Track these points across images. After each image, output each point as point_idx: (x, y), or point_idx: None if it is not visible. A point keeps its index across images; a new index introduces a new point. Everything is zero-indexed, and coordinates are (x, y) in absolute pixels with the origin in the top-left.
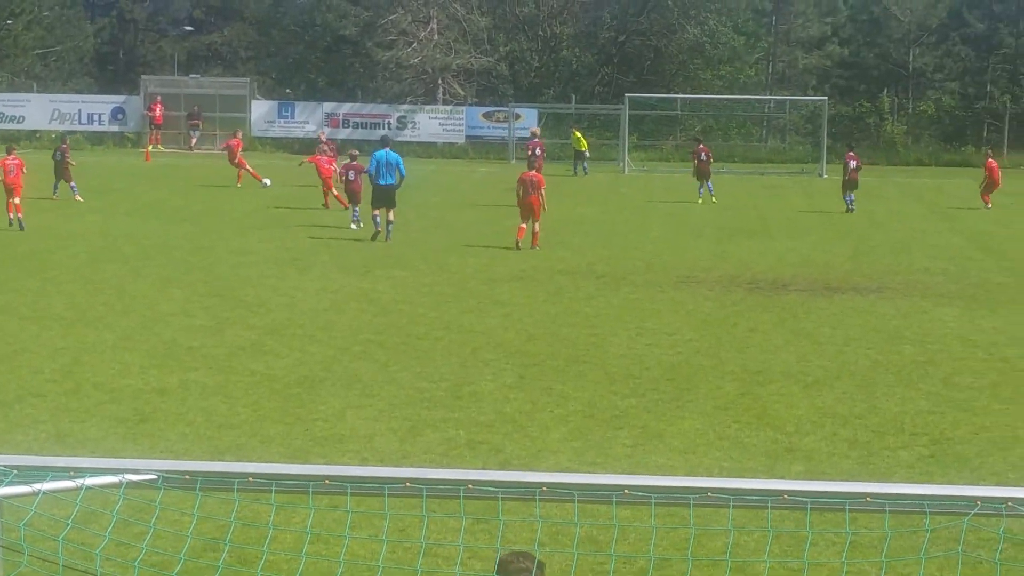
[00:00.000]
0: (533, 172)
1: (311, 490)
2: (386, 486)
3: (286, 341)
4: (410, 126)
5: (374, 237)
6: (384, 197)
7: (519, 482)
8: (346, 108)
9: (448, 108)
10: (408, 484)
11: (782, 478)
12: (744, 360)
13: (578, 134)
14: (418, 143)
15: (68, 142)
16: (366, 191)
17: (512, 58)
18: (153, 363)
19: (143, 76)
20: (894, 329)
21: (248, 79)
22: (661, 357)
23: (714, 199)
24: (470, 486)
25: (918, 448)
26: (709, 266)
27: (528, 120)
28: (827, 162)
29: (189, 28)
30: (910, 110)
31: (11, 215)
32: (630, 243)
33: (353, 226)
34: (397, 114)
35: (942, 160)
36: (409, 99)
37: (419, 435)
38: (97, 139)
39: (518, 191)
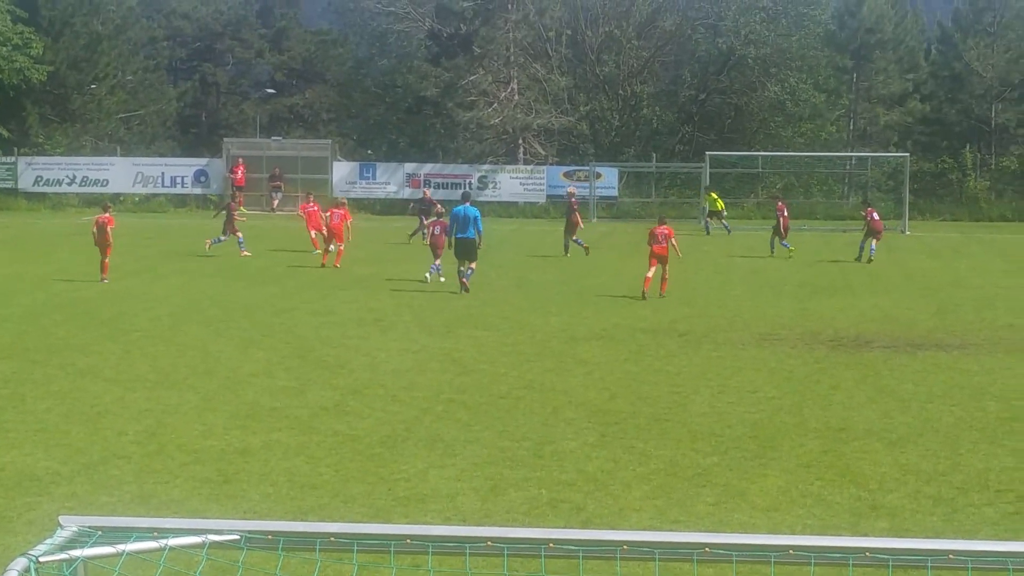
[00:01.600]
0: (664, 226)
1: (392, 550)
2: (467, 545)
3: (368, 401)
4: (491, 186)
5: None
6: (462, 250)
7: (600, 540)
8: (427, 168)
9: (529, 168)
10: (490, 543)
11: (866, 535)
12: (827, 417)
13: (714, 195)
14: (499, 203)
15: (238, 198)
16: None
17: (592, 117)
18: (236, 424)
19: (225, 139)
20: (978, 385)
21: (330, 140)
22: (743, 415)
23: (791, 253)
24: (551, 545)
25: (1003, 505)
26: (791, 323)
27: (609, 179)
28: (909, 218)
29: (271, 91)
30: (993, 166)
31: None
32: (712, 301)
33: (428, 276)
34: (478, 174)
35: None
36: (490, 159)
37: (501, 494)
38: (180, 201)
39: (650, 242)
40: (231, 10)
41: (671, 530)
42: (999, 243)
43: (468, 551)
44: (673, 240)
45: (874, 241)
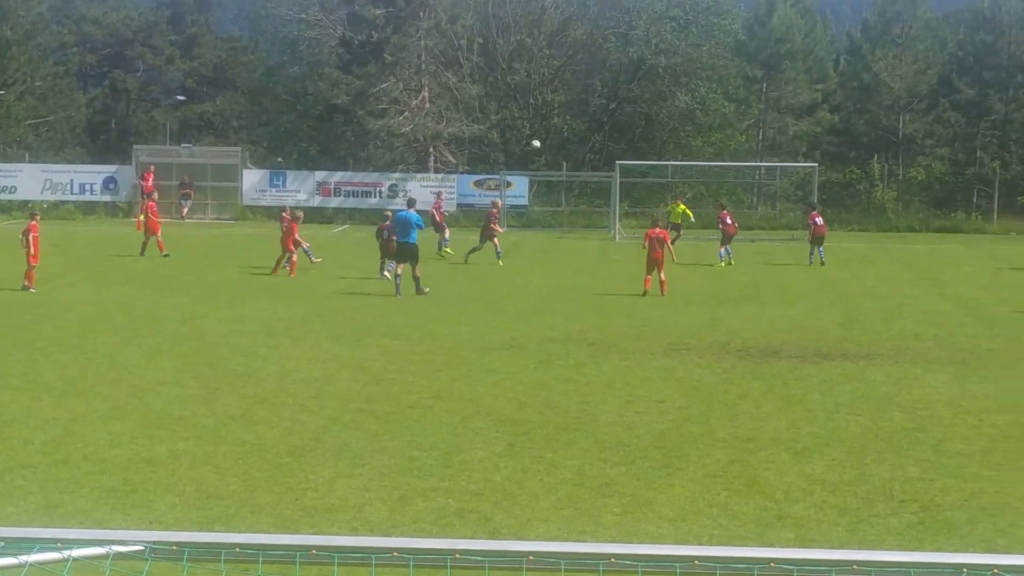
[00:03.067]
0: (659, 229)
1: (299, 560)
2: (373, 556)
3: (276, 410)
4: (401, 194)
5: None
6: (402, 254)
7: (506, 551)
8: (337, 177)
9: (439, 176)
10: (396, 554)
11: (772, 546)
12: (734, 427)
13: (683, 206)
14: None
15: (294, 214)
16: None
17: (503, 126)
18: (143, 433)
19: (135, 146)
20: (884, 396)
21: (239, 148)
22: (651, 425)
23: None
24: (457, 555)
25: (907, 515)
26: (699, 333)
27: (519, 188)
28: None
29: (181, 98)
30: (900, 176)
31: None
32: (621, 310)
33: (386, 274)
34: (388, 182)
35: (932, 226)
36: (401, 167)
37: (409, 504)
38: (89, 208)
39: (645, 245)
40: (142, 16)
41: (578, 540)
42: (906, 253)
43: (374, 562)
44: (669, 244)
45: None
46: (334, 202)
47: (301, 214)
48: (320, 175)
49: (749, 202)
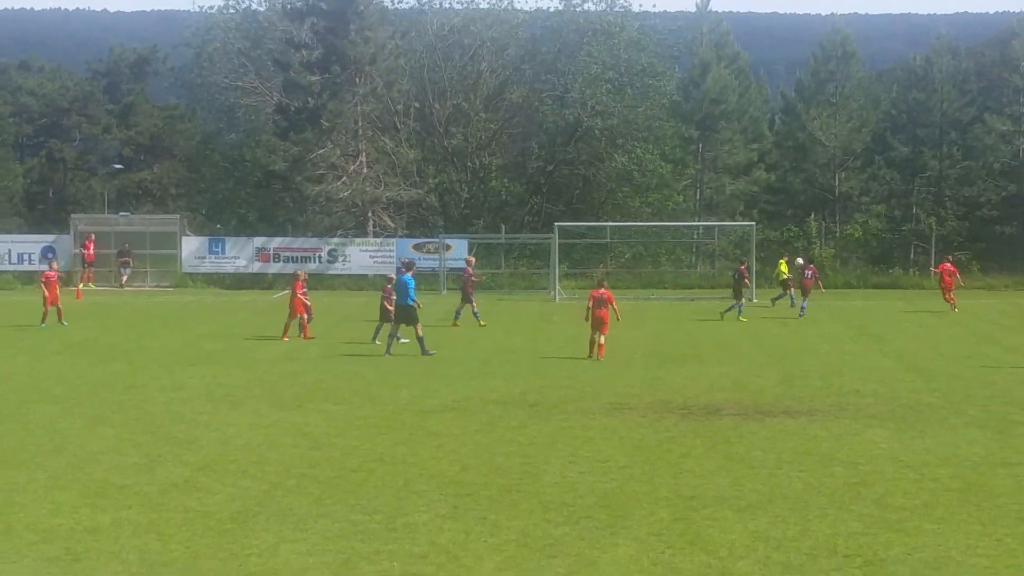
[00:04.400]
0: (603, 289)
1: None
2: None
3: (219, 477)
4: (341, 259)
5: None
6: (401, 315)
7: None
8: (276, 242)
9: (379, 240)
10: None
11: None
12: (677, 485)
13: (784, 263)
14: (349, 275)
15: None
16: None
17: (442, 189)
18: (85, 502)
19: (73, 215)
20: (826, 452)
21: (178, 216)
22: (595, 484)
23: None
24: None
25: (851, 570)
26: (640, 392)
27: (459, 251)
28: (756, 286)
29: (119, 166)
30: (838, 233)
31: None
32: (562, 371)
33: (404, 339)
34: (328, 247)
35: (870, 282)
36: (339, 232)
37: (353, 568)
38: (28, 278)
39: (588, 306)
40: (78, 86)
41: None
42: (845, 310)
43: None
44: (614, 304)
45: (803, 297)
46: (274, 268)
47: (303, 273)
48: (259, 241)
49: (688, 261)
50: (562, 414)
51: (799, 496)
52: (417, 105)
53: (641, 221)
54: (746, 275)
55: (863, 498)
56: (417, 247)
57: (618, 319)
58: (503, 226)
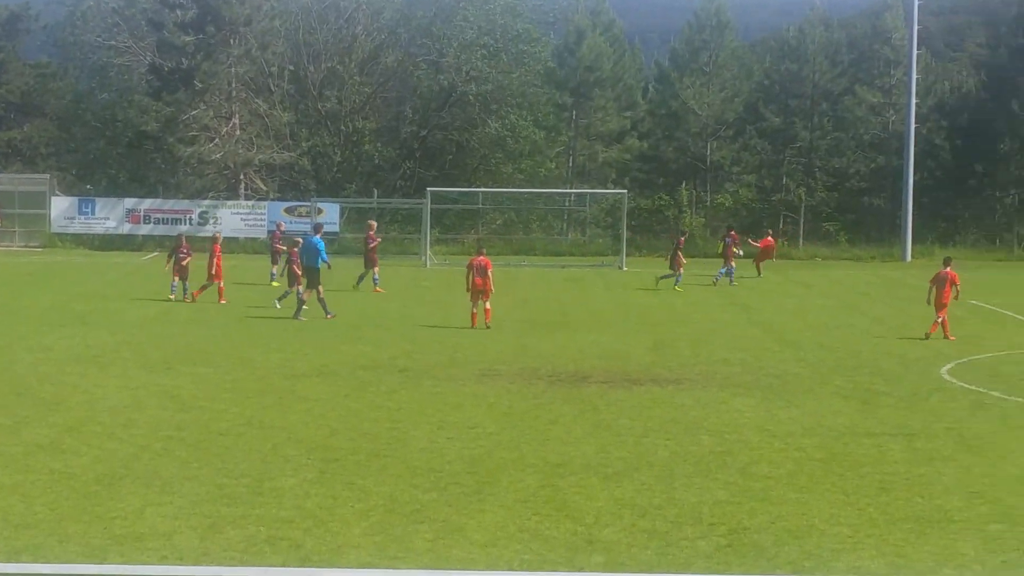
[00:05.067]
0: (482, 257)
1: None
2: None
3: (85, 439)
4: (212, 221)
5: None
6: (311, 277)
7: None
8: (147, 204)
9: (250, 203)
10: None
11: (582, 570)
12: (545, 452)
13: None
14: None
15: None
16: None
17: (314, 153)
18: None
19: None
20: (693, 420)
21: (48, 175)
22: (462, 450)
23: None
24: None
25: (715, 538)
26: (510, 359)
27: (330, 214)
28: (627, 254)
29: None
30: (708, 203)
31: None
32: (432, 337)
33: (279, 304)
34: (199, 209)
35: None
36: (211, 194)
37: (219, 532)
38: None
39: (467, 275)
40: None
41: (389, 567)
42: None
43: None
44: (489, 272)
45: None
46: (144, 229)
47: (219, 235)
48: (130, 202)
49: (560, 228)
50: (432, 380)
51: (665, 464)
52: (292, 68)
53: (513, 188)
54: (681, 245)
55: (729, 467)
56: (289, 210)
57: (490, 290)
58: (375, 191)
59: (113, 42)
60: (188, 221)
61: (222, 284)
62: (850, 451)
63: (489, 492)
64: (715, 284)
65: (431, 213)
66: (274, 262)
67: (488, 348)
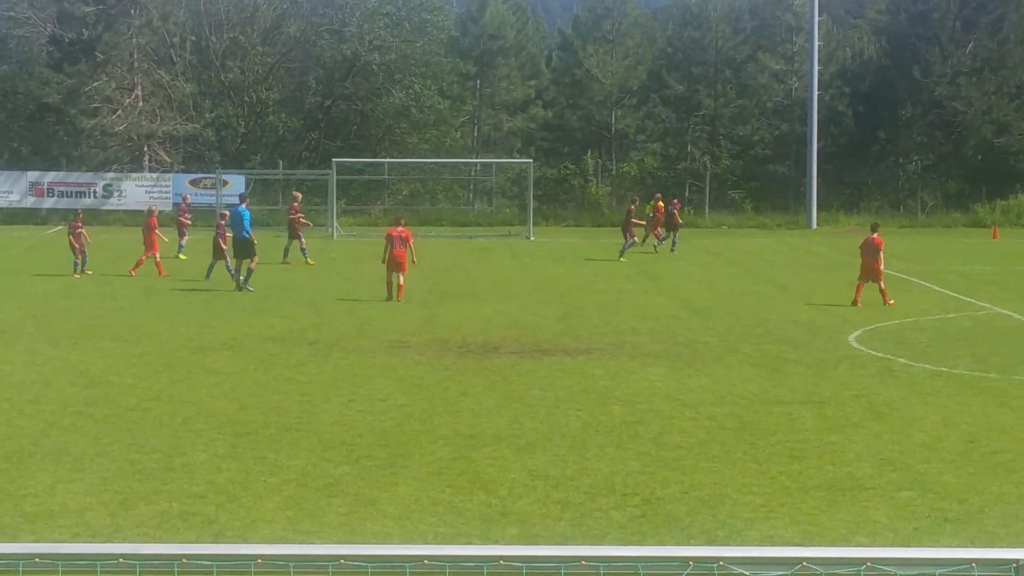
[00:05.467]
0: (401, 228)
1: (21, 569)
2: (99, 563)
3: None
4: (116, 194)
5: (237, 287)
6: (240, 248)
7: (234, 555)
8: (51, 177)
9: (155, 176)
10: (121, 560)
11: (496, 543)
12: (456, 424)
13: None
14: (125, 211)
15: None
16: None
17: (218, 124)
18: None
19: None
20: (604, 390)
21: None
22: (374, 423)
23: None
24: (184, 560)
25: (630, 509)
26: (419, 330)
27: (236, 186)
28: (533, 224)
29: None
30: (614, 172)
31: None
32: (340, 309)
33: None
34: (103, 182)
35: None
36: (115, 167)
37: (131, 508)
38: None
39: (385, 246)
40: None
41: (304, 542)
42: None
43: (99, 568)
44: (410, 243)
45: (674, 234)
46: (48, 203)
47: (156, 209)
48: (33, 175)
49: (466, 199)
50: (341, 352)
51: (577, 435)
52: (194, 38)
53: (419, 158)
54: (632, 213)
55: (640, 437)
56: (194, 183)
57: (413, 261)
58: (280, 162)
59: (12, 13)
60: (92, 194)
61: (158, 257)
62: (761, 419)
63: (402, 465)
64: (673, 250)
65: (337, 184)
66: (181, 235)
67: (397, 320)
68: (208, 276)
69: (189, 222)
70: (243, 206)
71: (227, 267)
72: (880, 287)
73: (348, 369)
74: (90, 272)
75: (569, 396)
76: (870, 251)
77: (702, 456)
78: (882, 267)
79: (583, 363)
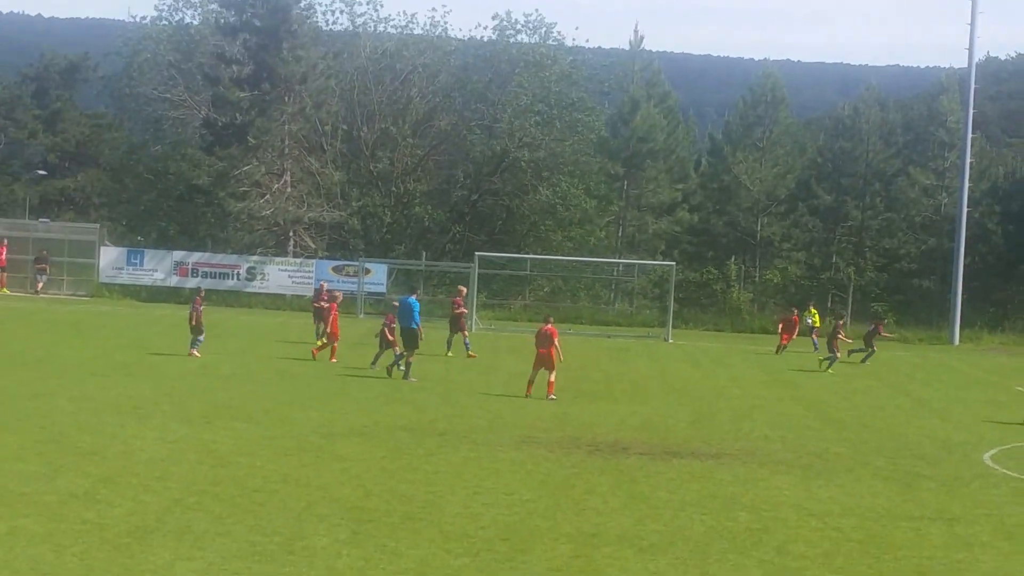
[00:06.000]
0: (549, 326)
1: None
2: None
3: (120, 490)
4: (259, 277)
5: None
6: (407, 339)
7: None
8: (196, 257)
9: (298, 261)
10: None
11: None
12: (580, 522)
13: (814, 310)
14: (267, 294)
15: (332, 295)
16: None
17: (364, 213)
18: None
19: None
20: (730, 496)
21: (98, 225)
22: (497, 517)
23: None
24: None
25: None
26: (550, 427)
27: (378, 275)
28: (673, 327)
29: (43, 172)
30: (756, 278)
31: None
32: (473, 401)
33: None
34: (247, 264)
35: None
36: (260, 250)
37: None
38: None
39: (536, 343)
40: (5, 90)
41: None
42: (760, 355)
43: None
44: (556, 341)
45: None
46: (191, 282)
47: (340, 295)
48: (178, 255)
49: (607, 298)
50: (470, 445)
51: (701, 539)
52: (345, 127)
53: (562, 255)
54: (840, 328)
55: (764, 544)
56: (336, 269)
57: (560, 359)
58: (424, 253)
59: (168, 95)
60: (236, 276)
61: (336, 344)
62: (888, 533)
63: (522, 560)
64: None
65: (479, 277)
66: (317, 320)
67: (528, 415)
68: (374, 364)
69: (325, 306)
70: (414, 297)
71: (395, 356)
72: None
73: (475, 462)
74: (198, 355)
75: (695, 500)
76: None
77: (825, 567)
78: None
79: (712, 468)
